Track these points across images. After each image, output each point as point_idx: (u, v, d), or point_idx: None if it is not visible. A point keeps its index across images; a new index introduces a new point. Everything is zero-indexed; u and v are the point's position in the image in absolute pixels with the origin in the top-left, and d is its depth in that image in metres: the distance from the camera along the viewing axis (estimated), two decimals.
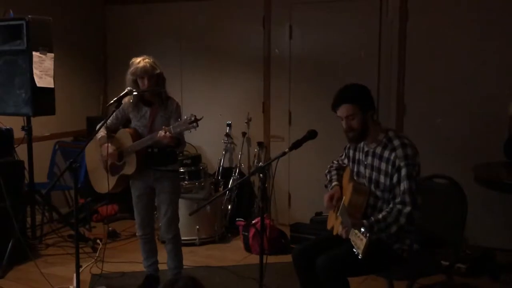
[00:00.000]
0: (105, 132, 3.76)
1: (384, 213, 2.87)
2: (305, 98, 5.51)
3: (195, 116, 3.42)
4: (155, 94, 3.76)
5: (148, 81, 3.68)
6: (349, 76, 4.99)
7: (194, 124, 3.41)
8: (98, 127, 3.65)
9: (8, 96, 4.68)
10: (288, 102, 5.62)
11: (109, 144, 3.75)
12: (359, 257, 2.61)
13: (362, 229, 2.63)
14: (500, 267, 4.27)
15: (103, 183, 3.84)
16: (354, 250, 2.67)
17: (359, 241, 2.67)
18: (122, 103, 3.64)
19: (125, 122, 3.94)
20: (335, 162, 3.37)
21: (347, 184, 3.14)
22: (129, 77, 3.72)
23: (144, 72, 3.66)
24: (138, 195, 3.92)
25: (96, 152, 3.93)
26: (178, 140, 3.67)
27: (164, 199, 3.86)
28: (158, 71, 3.70)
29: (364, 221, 2.85)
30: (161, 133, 3.51)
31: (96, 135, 3.73)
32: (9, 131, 4.83)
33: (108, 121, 3.78)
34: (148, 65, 3.68)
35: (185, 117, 3.46)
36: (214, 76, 5.99)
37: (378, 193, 2.98)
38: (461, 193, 3.21)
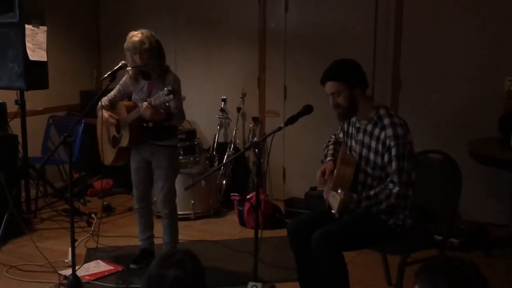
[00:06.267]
0: (101, 103, 3.79)
1: (377, 189, 2.89)
2: (301, 73, 5.47)
3: (172, 88, 3.43)
4: (151, 68, 3.74)
5: (139, 56, 3.65)
6: (345, 50, 4.97)
7: (171, 96, 3.40)
8: (99, 100, 3.69)
9: (0, 69, 4.63)
10: (283, 77, 5.59)
11: (105, 111, 3.81)
12: (336, 216, 2.80)
13: (339, 190, 2.75)
14: (493, 242, 4.31)
15: (105, 155, 3.97)
16: (332, 211, 2.81)
17: (334, 200, 2.81)
18: (116, 77, 3.63)
19: (128, 96, 3.95)
20: (333, 136, 3.36)
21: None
22: (125, 51, 3.71)
23: (133, 48, 3.64)
24: (136, 168, 3.94)
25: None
26: (169, 114, 3.66)
27: (160, 174, 3.87)
28: (146, 46, 3.63)
29: (354, 195, 2.87)
30: (143, 104, 3.53)
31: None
32: (2, 105, 4.80)
33: (112, 94, 3.90)
34: (137, 39, 3.64)
35: (165, 89, 3.45)
36: (209, 51, 5.94)
37: (369, 170, 2.98)
38: (455, 169, 3.21)
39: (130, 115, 3.73)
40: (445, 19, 4.82)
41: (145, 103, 3.53)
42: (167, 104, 3.57)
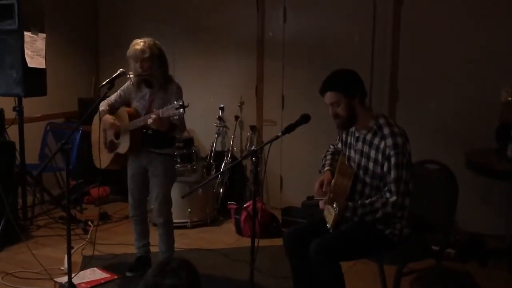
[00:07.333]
0: (107, 107, 3.82)
1: (373, 198, 2.89)
2: (299, 82, 5.49)
3: (182, 102, 3.42)
4: (153, 77, 3.74)
5: (140, 64, 3.66)
6: (343, 60, 4.99)
7: (181, 110, 3.39)
8: (97, 107, 3.74)
9: None
10: (281, 86, 5.61)
11: (109, 116, 3.80)
12: (330, 231, 2.84)
13: (334, 205, 2.77)
14: (489, 252, 4.31)
15: (100, 158, 3.89)
16: (327, 225, 2.85)
17: (329, 215, 2.84)
18: (114, 85, 3.63)
19: (129, 102, 3.93)
20: (331, 146, 3.37)
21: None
22: (128, 59, 3.72)
23: (134, 56, 3.65)
24: (132, 174, 3.93)
25: (99, 127, 3.96)
26: (173, 125, 3.66)
27: (156, 182, 3.86)
28: (147, 55, 3.63)
29: (350, 203, 2.87)
30: (151, 118, 3.50)
31: (100, 109, 3.82)
32: (0, 112, 4.80)
33: (113, 98, 3.87)
34: (139, 48, 3.65)
35: (175, 102, 3.44)
36: (207, 59, 5.96)
37: (367, 179, 2.99)
38: (452, 179, 3.22)
39: (132, 122, 3.71)
40: (443, 29, 4.84)
41: (154, 116, 3.49)
42: (176, 117, 3.55)
